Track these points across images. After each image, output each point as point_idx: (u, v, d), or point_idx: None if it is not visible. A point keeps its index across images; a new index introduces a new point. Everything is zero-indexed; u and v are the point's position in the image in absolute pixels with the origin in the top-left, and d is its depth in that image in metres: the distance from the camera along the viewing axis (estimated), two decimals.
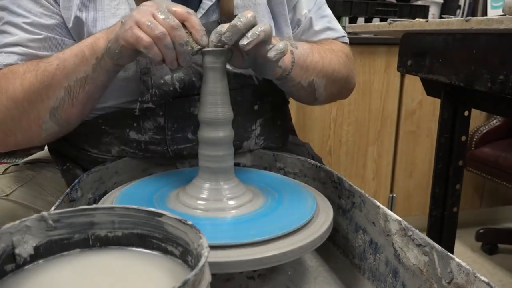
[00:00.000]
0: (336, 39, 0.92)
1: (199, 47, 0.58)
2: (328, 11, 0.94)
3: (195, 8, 0.78)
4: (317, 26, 0.90)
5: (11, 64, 0.71)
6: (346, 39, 0.94)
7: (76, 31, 0.73)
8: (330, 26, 0.91)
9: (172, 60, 0.58)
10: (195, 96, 0.74)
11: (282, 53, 0.59)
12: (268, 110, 0.83)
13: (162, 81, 0.72)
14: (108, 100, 0.75)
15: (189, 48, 0.57)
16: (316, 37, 0.90)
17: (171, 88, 0.73)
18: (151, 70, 0.72)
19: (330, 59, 0.81)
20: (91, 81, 0.67)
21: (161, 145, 0.76)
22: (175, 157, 0.77)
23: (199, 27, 0.58)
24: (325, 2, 0.94)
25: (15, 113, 0.69)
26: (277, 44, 0.59)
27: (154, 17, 0.57)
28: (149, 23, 0.56)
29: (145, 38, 0.56)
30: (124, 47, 0.60)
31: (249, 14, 0.56)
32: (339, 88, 0.87)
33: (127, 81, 0.73)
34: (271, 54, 0.58)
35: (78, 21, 0.73)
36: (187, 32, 0.58)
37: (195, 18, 0.58)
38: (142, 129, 0.75)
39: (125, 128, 0.75)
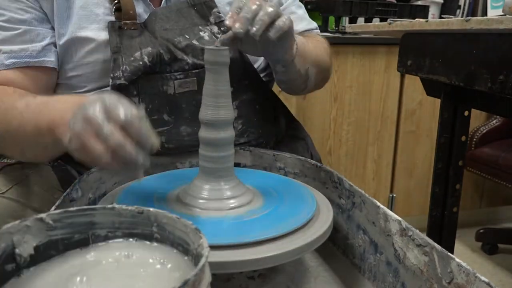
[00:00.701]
0: (310, 30, 0.96)
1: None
2: (301, 5, 0.99)
3: None
4: (297, 14, 0.94)
5: (1, 66, 0.74)
6: (319, 31, 0.99)
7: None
8: (308, 23, 0.96)
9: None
10: (167, 74, 0.76)
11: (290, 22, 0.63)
12: (243, 91, 0.84)
13: (132, 58, 0.74)
14: (87, 84, 0.78)
15: (140, 160, 0.49)
16: (297, 25, 0.92)
17: (141, 63, 0.74)
18: (121, 49, 0.74)
19: (319, 49, 0.86)
20: (49, 149, 0.67)
21: None
22: None
23: (143, 138, 0.50)
24: None
25: None
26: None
27: (97, 135, 0.49)
28: (93, 149, 0.49)
29: (93, 164, 0.51)
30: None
31: (253, 6, 0.60)
32: (323, 77, 0.92)
33: (104, 63, 0.76)
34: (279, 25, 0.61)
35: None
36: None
37: (135, 130, 0.49)
38: None
39: None
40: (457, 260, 0.44)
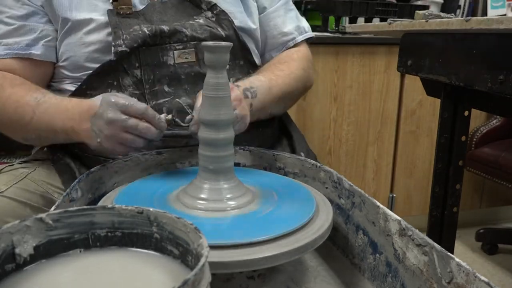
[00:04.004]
0: (295, 39, 0.99)
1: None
2: (292, 8, 1.01)
3: None
4: (286, 26, 0.97)
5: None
6: (311, 34, 1.02)
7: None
8: (298, 25, 0.99)
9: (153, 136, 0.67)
10: (166, 45, 0.81)
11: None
12: (239, 71, 0.88)
13: (132, 29, 0.80)
14: (76, 69, 0.84)
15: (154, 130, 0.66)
16: (285, 27, 0.97)
17: (140, 32, 0.80)
18: (120, 26, 0.81)
19: (288, 85, 0.89)
20: (55, 141, 0.80)
21: (141, 101, 0.80)
22: None
23: (155, 120, 0.66)
24: None
25: None
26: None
27: (126, 129, 0.66)
28: (127, 140, 0.66)
29: (124, 152, 0.69)
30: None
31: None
32: (296, 100, 0.98)
33: (99, 44, 0.82)
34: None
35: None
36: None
37: (148, 115, 0.66)
38: (122, 86, 0.81)
39: (107, 88, 0.81)
40: (457, 260, 0.44)
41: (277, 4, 0.97)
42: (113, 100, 0.65)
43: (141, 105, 0.65)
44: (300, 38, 0.99)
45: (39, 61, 0.84)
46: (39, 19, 0.84)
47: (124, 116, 0.65)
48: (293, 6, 1.02)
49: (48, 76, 0.87)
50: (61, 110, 0.74)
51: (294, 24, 0.99)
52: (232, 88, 0.66)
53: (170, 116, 0.68)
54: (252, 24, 0.93)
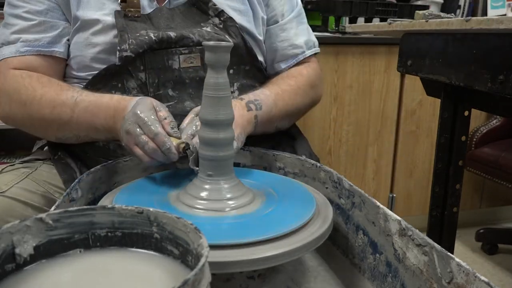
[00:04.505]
0: (304, 53, 0.98)
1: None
2: (304, 21, 1.00)
3: None
4: (298, 39, 0.96)
5: (17, 52, 0.80)
6: (318, 50, 1.02)
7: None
8: (309, 39, 0.99)
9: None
10: (172, 49, 0.81)
11: None
12: (243, 76, 0.88)
13: (138, 34, 0.80)
14: (82, 68, 0.83)
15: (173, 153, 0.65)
16: (297, 39, 0.96)
17: (146, 37, 0.79)
18: (127, 29, 0.80)
19: (294, 100, 0.89)
20: (95, 137, 0.79)
21: None
22: None
23: (162, 148, 0.64)
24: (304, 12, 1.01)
25: (26, 120, 0.80)
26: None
27: (137, 144, 0.66)
28: (135, 153, 0.66)
29: (144, 158, 0.66)
30: None
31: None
32: (302, 114, 0.97)
33: (106, 45, 0.81)
34: None
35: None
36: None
37: (157, 140, 0.64)
38: (126, 89, 0.81)
39: (111, 90, 0.81)
40: (457, 260, 0.44)
41: (289, 15, 0.96)
42: (137, 111, 0.66)
43: (155, 128, 0.64)
44: (309, 53, 0.98)
45: (61, 58, 0.84)
46: (59, 15, 0.83)
47: (138, 131, 0.65)
48: (305, 19, 1.01)
49: (63, 74, 0.88)
50: (102, 107, 0.74)
51: (305, 37, 0.98)
52: (235, 105, 0.65)
53: (183, 145, 0.65)
54: (259, 35, 0.92)
